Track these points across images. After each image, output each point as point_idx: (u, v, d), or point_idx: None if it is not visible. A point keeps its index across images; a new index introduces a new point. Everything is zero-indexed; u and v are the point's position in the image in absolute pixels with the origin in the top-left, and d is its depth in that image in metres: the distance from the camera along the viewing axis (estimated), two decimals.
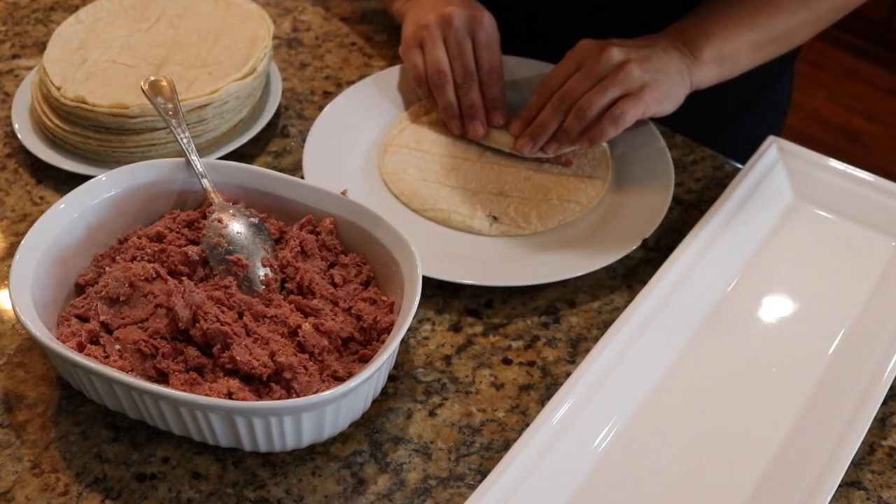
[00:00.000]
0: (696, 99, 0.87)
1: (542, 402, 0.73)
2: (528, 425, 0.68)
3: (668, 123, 0.93)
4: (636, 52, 0.85)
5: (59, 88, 0.87)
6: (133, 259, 0.73)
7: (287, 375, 0.66)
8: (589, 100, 0.83)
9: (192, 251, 0.73)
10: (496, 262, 0.82)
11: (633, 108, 0.83)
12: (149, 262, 0.72)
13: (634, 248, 0.81)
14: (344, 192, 0.77)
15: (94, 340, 0.68)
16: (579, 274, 0.79)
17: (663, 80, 0.84)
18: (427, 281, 0.80)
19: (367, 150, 0.92)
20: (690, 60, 0.86)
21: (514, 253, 0.83)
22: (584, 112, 0.84)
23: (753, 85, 1.06)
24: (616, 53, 0.84)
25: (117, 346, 0.67)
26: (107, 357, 0.67)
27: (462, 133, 0.91)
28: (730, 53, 0.86)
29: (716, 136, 0.97)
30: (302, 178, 0.89)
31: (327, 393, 0.63)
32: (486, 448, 0.70)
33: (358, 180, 0.88)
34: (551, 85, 0.87)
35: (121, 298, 0.70)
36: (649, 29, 0.89)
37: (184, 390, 0.65)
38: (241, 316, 0.70)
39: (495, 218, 0.85)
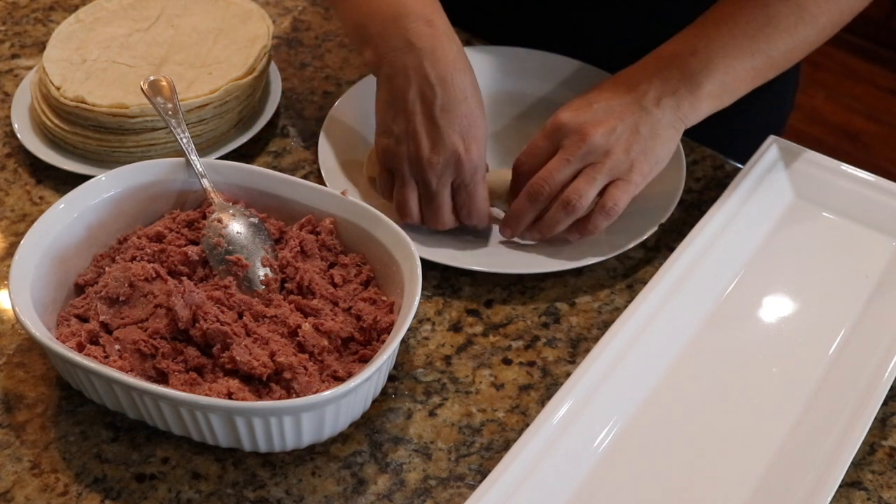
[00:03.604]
0: None
1: (542, 402, 0.73)
2: (528, 425, 0.68)
3: None
4: (621, 123, 0.78)
5: (58, 88, 0.87)
6: (133, 259, 0.73)
7: (287, 375, 0.66)
8: (577, 192, 0.77)
9: (192, 251, 0.73)
10: (513, 249, 0.82)
11: (624, 194, 0.78)
12: (148, 262, 0.72)
13: (651, 232, 0.82)
14: (344, 192, 0.77)
15: (94, 340, 0.68)
16: (598, 260, 0.80)
17: (652, 148, 0.78)
18: (427, 281, 0.80)
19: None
20: (689, 106, 0.79)
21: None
22: (573, 205, 0.78)
23: None
24: (598, 136, 0.77)
25: (117, 346, 0.67)
26: (106, 357, 0.67)
27: None
28: (730, 85, 0.80)
29: (716, 135, 0.97)
30: (304, 176, 0.89)
31: (327, 393, 0.63)
32: (486, 448, 0.70)
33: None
34: (526, 168, 0.80)
35: (120, 298, 0.70)
36: (645, 13, 0.86)
37: (184, 390, 0.65)
38: (240, 316, 0.70)
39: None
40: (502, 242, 0.83)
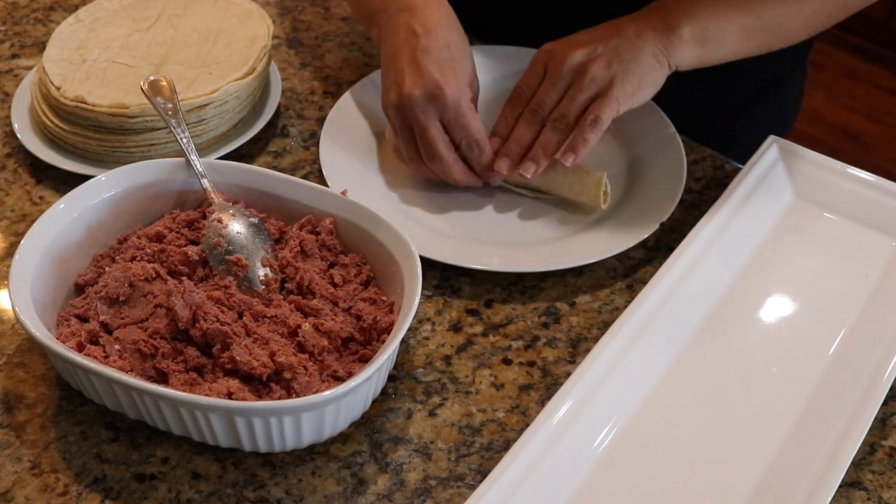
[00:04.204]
0: (698, 97, 0.87)
1: (542, 402, 0.73)
2: (528, 425, 0.68)
3: None
4: (602, 45, 0.81)
5: (58, 88, 0.87)
6: (133, 259, 0.73)
7: (287, 375, 0.66)
8: (560, 111, 0.81)
9: (192, 251, 0.73)
10: (513, 248, 0.82)
11: (607, 108, 0.80)
12: (148, 262, 0.72)
13: (652, 232, 0.82)
14: (344, 192, 0.77)
15: (94, 340, 0.68)
16: (598, 260, 0.80)
17: (634, 69, 0.80)
18: (427, 281, 0.80)
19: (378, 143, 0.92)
20: (667, 40, 0.81)
21: (534, 239, 0.83)
22: (558, 124, 0.82)
23: (756, 84, 1.05)
24: (577, 55, 0.81)
25: (117, 346, 0.67)
26: (106, 357, 0.67)
27: None
28: (714, 33, 0.82)
29: (717, 136, 0.97)
30: (304, 176, 0.89)
31: (327, 393, 0.63)
32: (486, 448, 0.70)
33: (373, 171, 0.89)
34: (522, 96, 0.84)
35: (120, 298, 0.70)
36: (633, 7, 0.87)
37: (184, 390, 0.65)
38: (240, 316, 0.70)
39: None
40: (502, 242, 0.83)
